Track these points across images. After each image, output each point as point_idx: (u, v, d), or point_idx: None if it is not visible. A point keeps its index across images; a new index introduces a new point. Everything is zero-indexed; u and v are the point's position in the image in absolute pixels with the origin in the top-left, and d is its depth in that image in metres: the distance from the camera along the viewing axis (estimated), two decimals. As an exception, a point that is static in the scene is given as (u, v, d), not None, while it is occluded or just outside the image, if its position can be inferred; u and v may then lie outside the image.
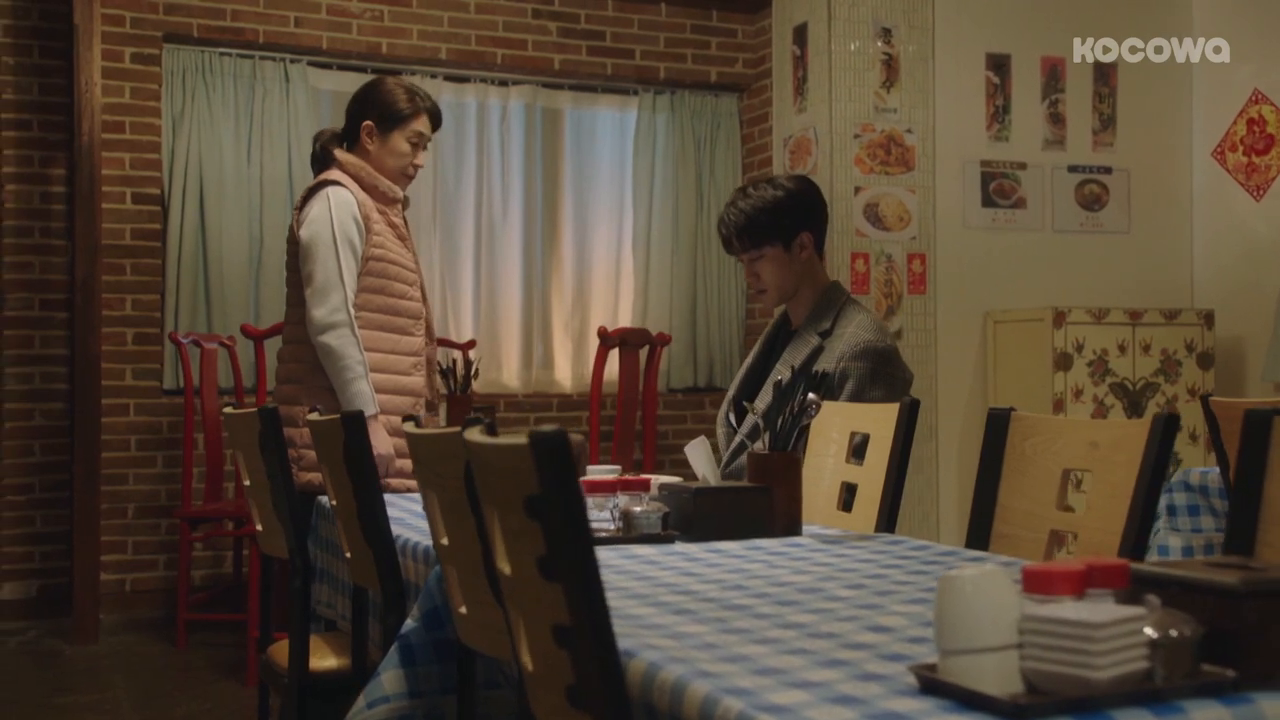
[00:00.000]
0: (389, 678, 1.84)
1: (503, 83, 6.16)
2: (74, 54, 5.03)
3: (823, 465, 2.53)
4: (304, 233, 3.11)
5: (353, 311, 3.04)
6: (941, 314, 5.52)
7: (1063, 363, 5.31)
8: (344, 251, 3.07)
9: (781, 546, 2.01)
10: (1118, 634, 1.04)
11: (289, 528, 2.27)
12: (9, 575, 5.41)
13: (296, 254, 3.15)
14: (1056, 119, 5.80)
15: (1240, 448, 1.58)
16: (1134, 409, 5.44)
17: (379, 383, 3.10)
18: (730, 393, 3.00)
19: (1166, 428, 1.73)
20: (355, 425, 1.96)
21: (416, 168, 3.36)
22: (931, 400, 5.47)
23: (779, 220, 2.90)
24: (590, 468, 2.63)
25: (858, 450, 2.47)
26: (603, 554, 1.93)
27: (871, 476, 2.37)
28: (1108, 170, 5.89)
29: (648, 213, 6.32)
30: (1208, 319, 5.55)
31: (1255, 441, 1.57)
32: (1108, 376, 5.39)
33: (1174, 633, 1.08)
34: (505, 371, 6.19)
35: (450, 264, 6.11)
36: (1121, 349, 5.42)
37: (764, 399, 2.73)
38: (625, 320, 6.25)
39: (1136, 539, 1.73)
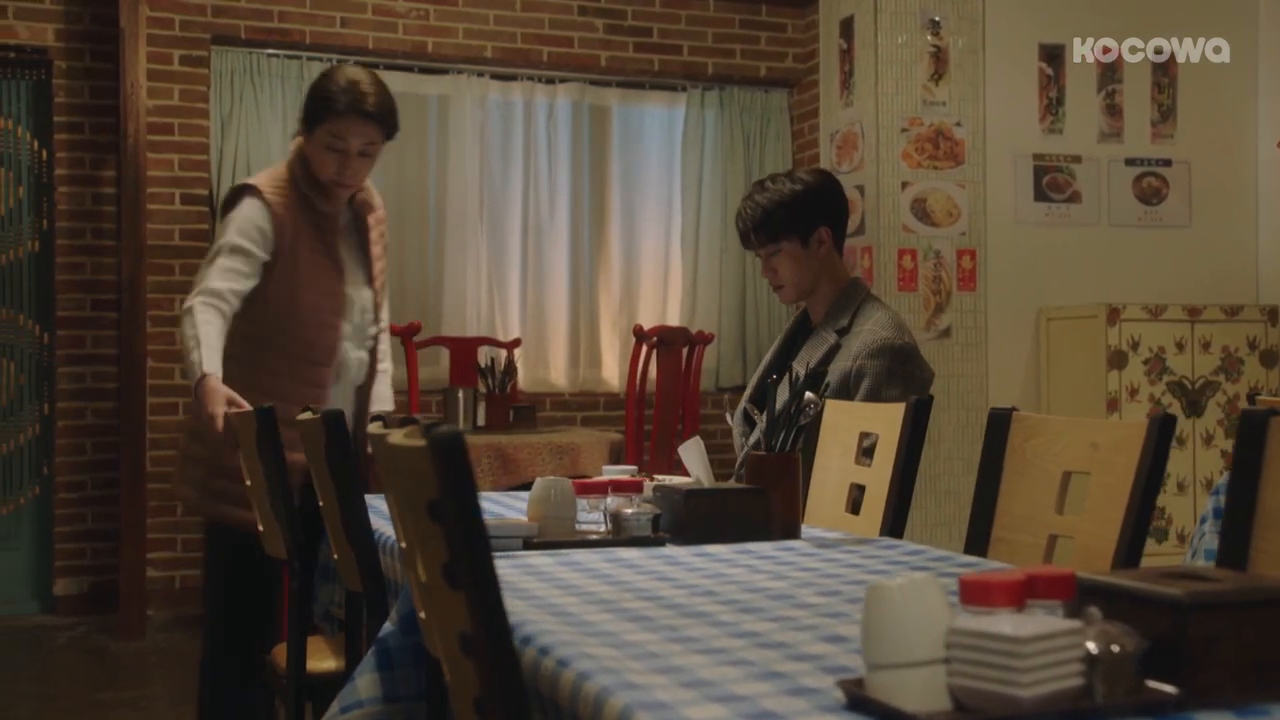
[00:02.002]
0: (364, 682, 1.80)
1: (549, 80, 6.14)
2: (119, 57, 5.08)
3: (832, 466, 2.46)
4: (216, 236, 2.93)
5: (201, 299, 2.74)
6: (992, 311, 5.41)
7: (1117, 361, 5.17)
8: (233, 255, 2.80)
9: (773, 550, 1.95)
10: (1048, 649, 0.98)
11: (285, 528, 2.25)
12: (62, 571, 5.48)
13: None
14: (1113, 111, 5.65)
15: (1235, 449, 1.50)
16: (1193, 408, 5.29)
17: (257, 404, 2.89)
18: (747, 393, 2.94)
19: (1163, 429, 1.65)
20: (336, 426, 1.94)
21: (342, 173, 2.83)
22: (982, 399, 5.36)
23: (796, 214, 2.83)
24: (605, 468, 2.58)
25: (869, 451, 2.40)
26: (584, 557, 1.89)
27: (880, 478, 2.30)
28: (1167, 163, 5.73)
29: (696, 211, 6.27)
30: (1271, 315, 5.38)
31: (1251, 443, 1.49)
32: (1165, 375, 5.25)
33: (1115, 647, 1.01)
34: (552, 370, 6.16)
35: (497, 263, 6.09)
36: (1180, 346, 5.27)
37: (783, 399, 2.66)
38: (674, 319, 6.20)
39: (1131, 543, 1.65)
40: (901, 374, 2.68)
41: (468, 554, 0.98)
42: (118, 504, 5.28)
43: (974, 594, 1.05)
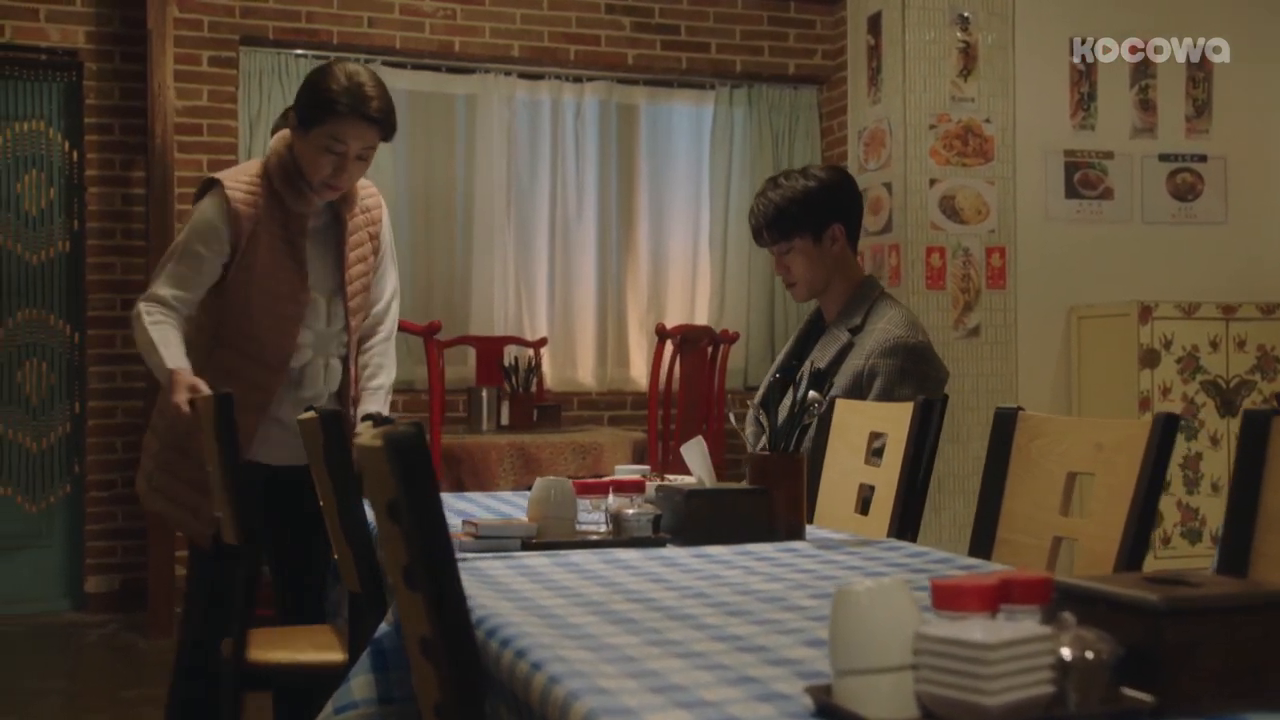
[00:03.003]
0: (359, 683, 1.78)
1: (577, 79, 6.12)
2: (147, 58, 5.11)
3: (842, 465, 2.43)
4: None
5: (145, 306, 2.71)
6: (1022, 310, 5.34)
7: (1149, 360, 5.09)
8: (183, 260, 2.73)
9: (773, 551, 1.92)
10: (1016, 655, 0.95)
11: (237, 515, 2.25)
12: (93, 569, 5.52)
13: None
14: (1146, 106, 5.57)
15: (1238, 450, 1.46)
16: (1227, 408, 5.20)
17: None
18: (759, 393, 2.91)
19: (1166, 428, 1.61)
20: (333, 426, 1.93)
21: (337, 176, 2.69)
22: (1011, 399, 5.29)
23: (809, 211, 2.80)
24: (618, 467, 2.57)
25: (879, 451, 2.37)
26: (582, 558, 1.87)
27: (889, 478, 2.27)
28: (1202, 158, 5.63)
29: (724, 209, 6.24)
30: (1308, 314, 5.29)
31: (1253, 444, 1.45)
32: (1198, 374, 5.16)
33: (1089, 654, 0.98)
34: (580, 369, 6.15)
35: (524, 262, 6.09)
36: (1214, 345, 5.19)
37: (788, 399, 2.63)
38: (702, 318, 6.18)
39: (1134, 545, 1.61)
40: (915, 373, 2.64)
41: (425, 557, 0.96)
42: (147, 502, 5.31)
43: (945, 598, 1.03)
